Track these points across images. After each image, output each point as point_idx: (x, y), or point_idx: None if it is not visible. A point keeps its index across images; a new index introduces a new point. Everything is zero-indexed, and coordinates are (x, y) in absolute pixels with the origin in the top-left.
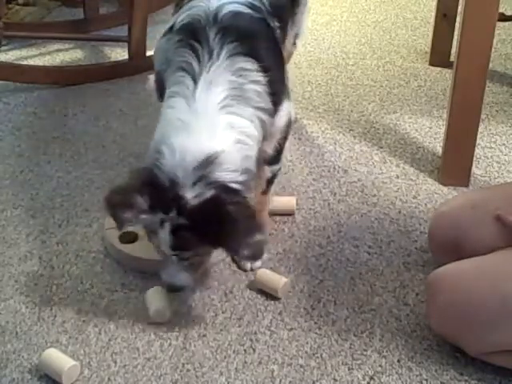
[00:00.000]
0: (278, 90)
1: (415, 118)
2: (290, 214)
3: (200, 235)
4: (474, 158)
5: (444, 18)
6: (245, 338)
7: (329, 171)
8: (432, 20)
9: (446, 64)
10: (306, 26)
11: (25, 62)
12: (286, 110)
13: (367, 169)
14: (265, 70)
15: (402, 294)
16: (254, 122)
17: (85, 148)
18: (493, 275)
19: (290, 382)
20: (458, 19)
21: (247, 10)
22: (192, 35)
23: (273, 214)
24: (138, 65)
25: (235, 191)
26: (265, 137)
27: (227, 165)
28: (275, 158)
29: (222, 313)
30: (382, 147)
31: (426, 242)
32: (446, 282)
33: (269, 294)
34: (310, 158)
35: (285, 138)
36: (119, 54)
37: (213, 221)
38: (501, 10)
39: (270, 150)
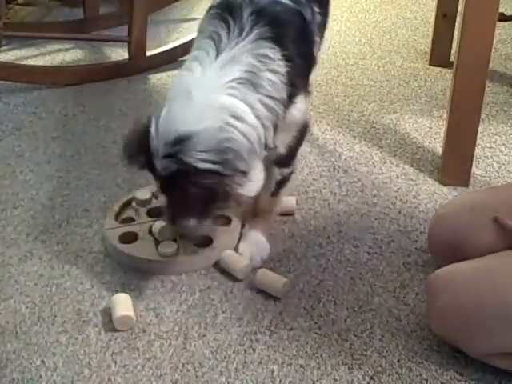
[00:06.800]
0: (296, 83)
1: (415, 118)
2: (290, 214)
3: (169, 199)
4: (474, 158)
5: (444, 18)
6: (245, 338)
7: (329, 171)
8: (432, 20)
9: (446, 64)
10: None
11: (25, 62)
12: (301, 104)
13: (367, 169)
14: (288, 60)
15: (402, 293)
16: (255, 108)
17: (85, 148)
18: (492, 277)
19: (290, 382)
20: (458, 19)
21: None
22: (227, 10)
23: None
24: (137, 65)
25: (198, 170)
26: (277, 128)
27: (200, 145)
28: (286, 161)
29: (222, 313)
30: (382, 147)
31: (425, 242)
32: (445, 284)
33: (269, 294)
34: (310, 158)
35: (298, 140)
36: (119, 53)
37: (172, 192)
38: (501, 10)
39: (282, 147)
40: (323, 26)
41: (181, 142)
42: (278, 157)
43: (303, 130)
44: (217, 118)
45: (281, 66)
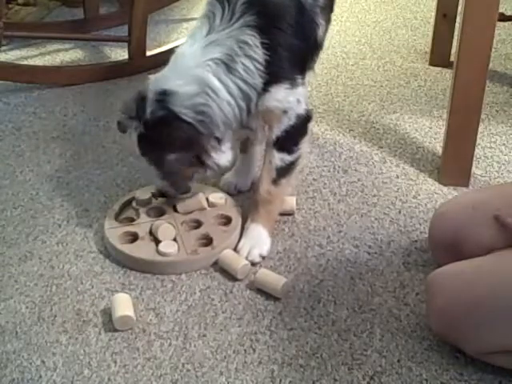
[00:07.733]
0: (276, 73)
1: (415, 117)
2: (290, 214)
3: (150, 143)
4: (474, 158)
5: (444, 18)
6: (245, 338)
7: (329, 171)
8: (432, 20)
9: (446, 64)
10: None
11: (25, 62)
12: (280, 94)
13: (367, 169)
14: (268, 49)
15: (402, 294)
16: (229, 86)
17: (85, 148)
18: (492, 276)
19: (290, 382)
20: (458, 19)
21: None
22: None
23: None
24: (138, 65)
25: (180, 118)
26: (250, 111)
27: (181, 101)
28: (285, 145)
29: (222, 313)
30: (382, 147)
31: (426, 241)
32: (445, 283)
33: (269, 294)
34: (310, 158)
35: (296, 128)
36: (119, 54)
37: (156, 134)
38: (501, 10)
39: (260, 130)
40: (328, 8)
41: (167, 94)
42: (272, 139)
43: (300, 118)
44: (196, 86)
45: (258, 54)
